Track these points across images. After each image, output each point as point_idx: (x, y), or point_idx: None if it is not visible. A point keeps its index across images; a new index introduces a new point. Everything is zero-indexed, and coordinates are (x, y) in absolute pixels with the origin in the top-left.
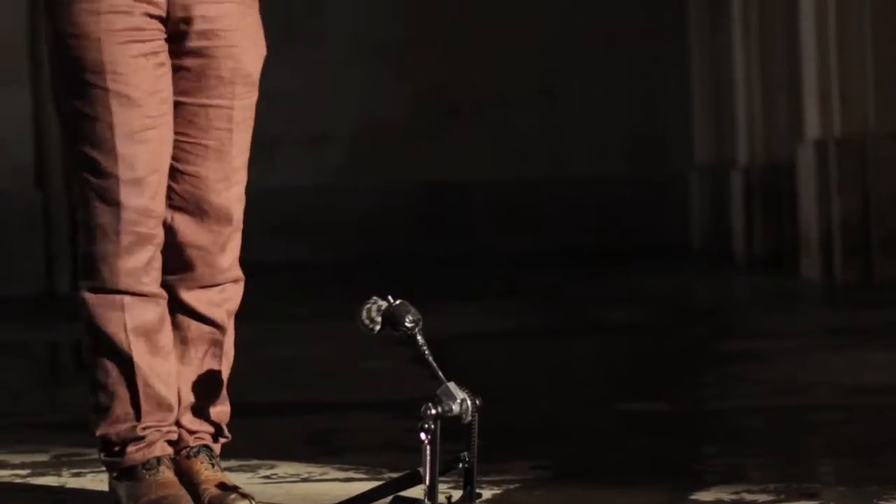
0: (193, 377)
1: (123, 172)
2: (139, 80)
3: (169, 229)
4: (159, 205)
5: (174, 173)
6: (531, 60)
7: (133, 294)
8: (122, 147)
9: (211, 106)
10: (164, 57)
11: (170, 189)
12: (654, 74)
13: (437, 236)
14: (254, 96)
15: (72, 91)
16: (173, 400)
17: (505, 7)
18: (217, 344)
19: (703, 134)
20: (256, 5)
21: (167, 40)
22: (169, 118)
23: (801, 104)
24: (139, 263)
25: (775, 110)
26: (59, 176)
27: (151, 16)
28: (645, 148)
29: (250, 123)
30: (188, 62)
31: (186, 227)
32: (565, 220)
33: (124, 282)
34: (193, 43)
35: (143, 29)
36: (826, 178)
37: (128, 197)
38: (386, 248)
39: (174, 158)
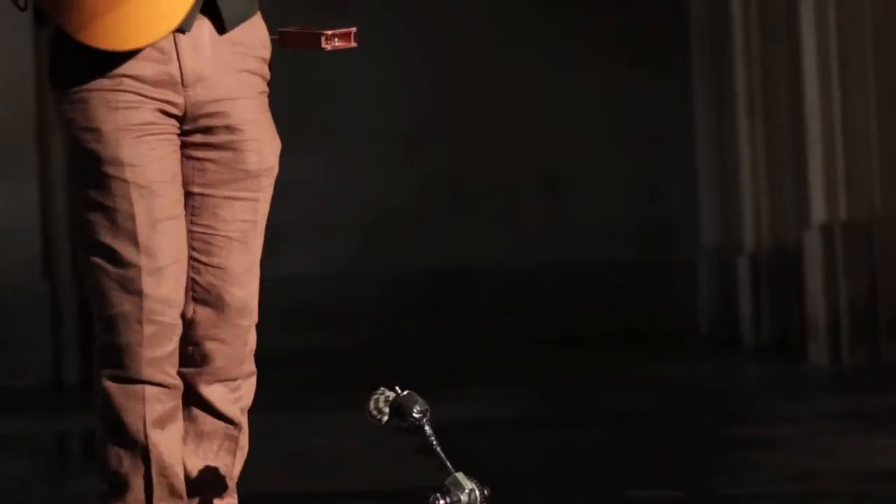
0: (206, 471)
1: (146, 262)
2: (157, 170)
3: (189, 322)
4: (180, 294)
5: (197, 265)
6: (535, 149)
7: (154, 384)
8: (144, 236)
9: (236, 199)
10: (178, 149)
11: (192, 281)
12: (658, 160)
13: (444, 322)
14: (272, 189)
15: (89, 183)
16: (184, 489)
17: (510, 98)
18: (232, 439)
19: (709, 218)
20: (267, 101)
21: (187, 134)
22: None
23: (807, 188)
24: (162, 353)
25: (781, 194)
26: (66, 266)
27: (167, 113)
28: (650, 233)
29: (267, 216)
30: (214, 155)
31: (207, 319)
32: (571, 306)
33: (147, 371)
34: (218, 137)
35: (158, 124)
36: (832, 263)
37: (150, 286)
38: (394, 334)
39: (197, 251)
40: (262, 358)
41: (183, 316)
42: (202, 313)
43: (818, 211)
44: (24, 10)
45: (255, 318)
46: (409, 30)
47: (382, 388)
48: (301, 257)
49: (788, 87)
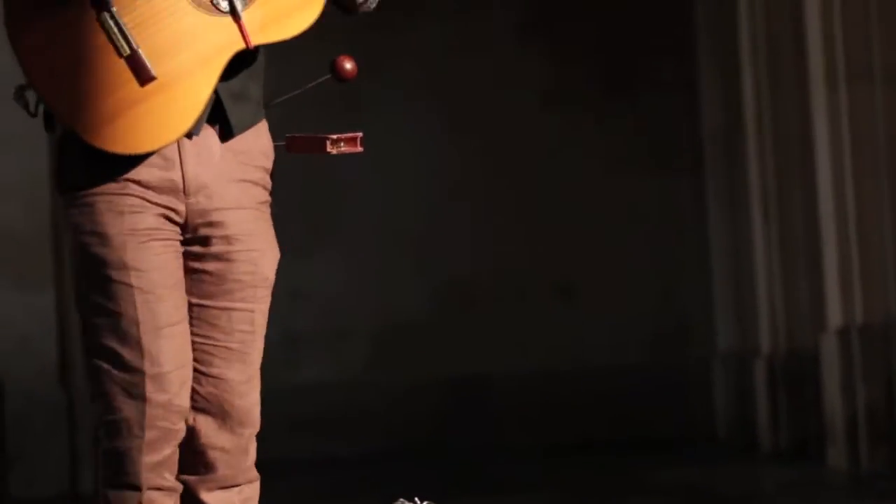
0: None
1: (149, 367)
2: (161, 275)
3: (191, 431)
4: (184, 399)
5: (197, 376)
6: (548, 254)
7: (154, 489)
8: (148, 342)
9: (234, 309)
10: (181, 256)
11: (193, 391)
12: (673, 262)
13: (458, 429)
14: (269, 299)
15: (94, 287)
16: None
17: (522, 201)
18: None
19: (724, 321)
20: (269, 210)
21: (187, 243)
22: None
23: (823, 290)
24: (161, 458)
25: (797, 296)
26: (82, 375)
27: (170, 220)
28: (665, 336)
29: (265, 326)
30: (210, 266)
31: (209, 429)
32: (587, 412)
33: (146, 477)
34: (215, 248)
35: (162, 229)
36: (849, 366)
37: (153, 392)
38: (410, 441)
39: (198, 361)
40: (273, 465)
41: (185, 423)
42: (203, 422)
43: (834, 314)
44: (34, 116)
45: (256, 427)
46: (421, 133)
47: (402, 500)
48: (314, 364)
49: (802, 190)
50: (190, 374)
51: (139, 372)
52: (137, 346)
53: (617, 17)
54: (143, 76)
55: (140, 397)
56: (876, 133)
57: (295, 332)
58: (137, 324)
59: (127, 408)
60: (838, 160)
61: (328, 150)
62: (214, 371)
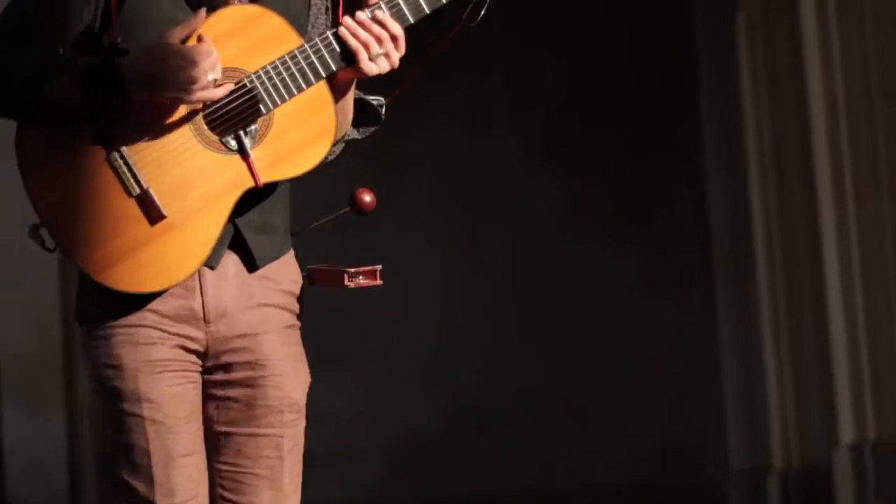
0: None
1: (161, 499)
2: (175, 406)
3: None
4: None
5: None
6: (559, 372)
7: None
8: (160, 474)
9: (260, 435)
10: (199, 385)
11: None
12: (683, 381)
13: None
14: (302, 423)
15: (108, 418)
16: None
17: (532, 322)
18: None
19: (736, 438)
20: (297, 334)
21: (208, 371)
22: (203, 445)
23: (835, 406)
24: None
25: (809, 411)
26: (93, 501)
27: (187, 349)
28: (677, 454)
29: (300, 450)
30: (235, 393)
31: None
32: None
33: None
34: (239, 374)
35: (178, 360)
36: (863, 482)
37: None
38: None
39: (226, 489)
40: None
41: None
42: None
43: (847, 430)
44: (52, 251)
45: None
46: (433, 253)
47: None
48: (326, 484)
49: (813, 304)
50: (205, 503)
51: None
52: (149, 477)
53: (627, 141)
54: (154, 215)
55: None
56: (885, 248)
57: (307, 451)
58: (149, 455)
59: None
60: (847, 275)
61: (346, 283)
62: (244, 499)
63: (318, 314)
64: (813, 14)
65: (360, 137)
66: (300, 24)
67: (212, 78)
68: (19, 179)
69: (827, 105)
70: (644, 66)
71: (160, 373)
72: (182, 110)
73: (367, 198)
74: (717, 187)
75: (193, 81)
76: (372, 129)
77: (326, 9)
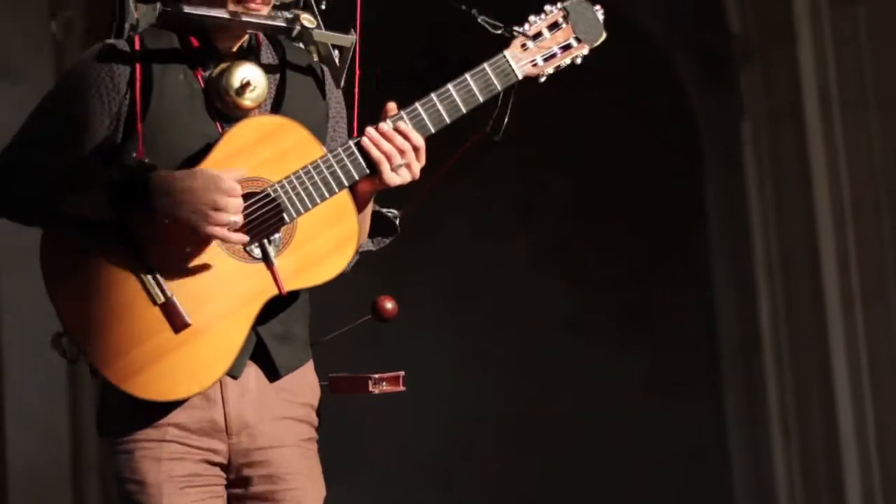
0: None
1: None
2: None
3: None
4: None
5: None
6: (567, 479)
7: None
8: None
9: None
10: (223, 498)
11: None
12: (693, 484)
13: None
14: None
15: None
16: None
17: (540, 432)
18: None
19: None
20: (315, 447)
21: (230, 485)
22: None
23: None
24: None
25: None
26: None
27: (212, 462)
28: None
29: None
30: None
31: None
32: None
33: None
34: (257, 488)
35: (202, 475)
36: None
37: None
38: None
39: None
40: None
41: None
42: None
43: None
44: (74, 362)
45: None
46: (442, 358)
47: None
48: None
49: (822, 408)
50: None
51: None
52: None
53: (633, 243)
54: (178, 323)
55: None
56: (893, 351)
57: None
58: None
59: None
60: (856, 379)
61: (371, 390)
62: None
63: (329, 420)
64: (818, 119)
65: (374, 249)
66: (319, 132)
67: (233, 220)
68: (33, 287)
69: (834, 209)
70: (649, 172)
71: (184, 488)
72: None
73: (389, 305)
74: (724, 291)
75: (215, 209)
76: (387, 240)
77: (344, 118)
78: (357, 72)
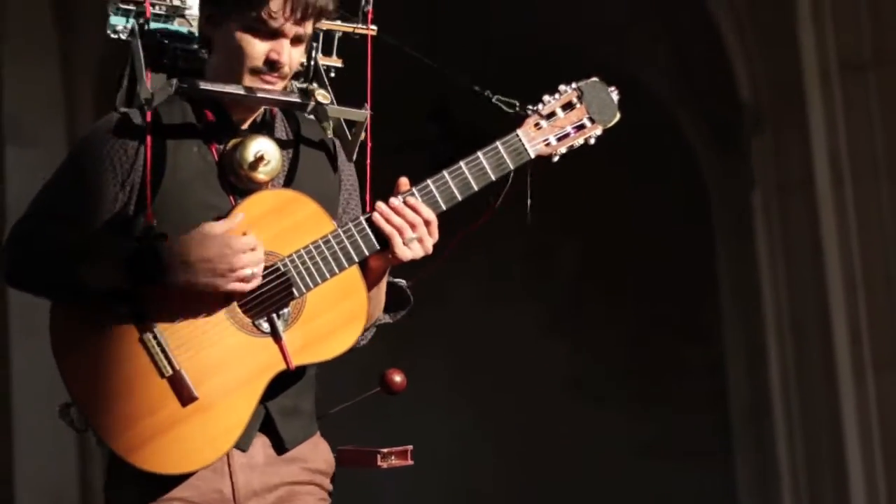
0: None
1: None
2: None
3: None
4: None
5: None
6: None
7: None
8: None
9: None
10: None
11: None
12: None
13: None
14: None
15: None
16: None
17: (549, 491)
18: None
19: None
20: None
21: None
22: None
23: None
24: None
25: None
26: None
27: None
28: None
29: None
30: None
31: None
32: None
33: None
34: None
35: None
36: None
37: None
38: None
39: None
40: None
41: None
42: None
43: None
44: (81, 432)
45: None
46: (448, 421)
47: None
48: None
49: (833, 475)
50: None
51: None
52: None
53: (643, 306)
54: (185, 396)
55: None
56: None
57: None
58: None
59: None
60: (868, 446)
61: (379, 464)
62: None
63: (335, 485)
64: (829, 189)
65: (391, 321)
66: (331, 206)
67: (249, 272)
68: (45, 354)
69: (845, 278)
70: (659, 237)
71: None
72: (217, 293)
73: (398, 378)
74: (734, 356)
75: (232, 270)
76: (402, 312)
77: (357, 191)
78: (369, 145)
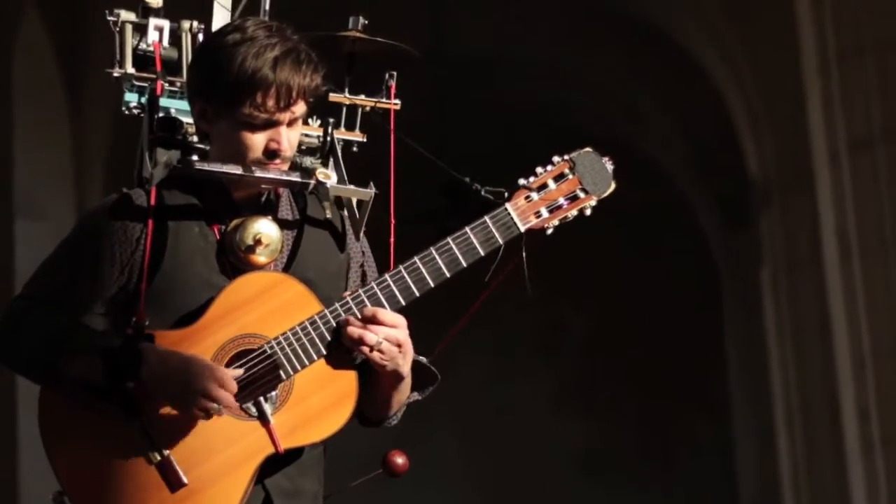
0: None
1: None
2: None
3: None
4: None
5: None
6: None
7: None
8: None
9: None
10: None
11: None
12: None
13: None
14: None
15: None
16: None
17: None
18: None
19: None
20: None
21: None
22: None
23: None
24: None
25: None
26: None
27: None
28: None
29: None
30: None
31: None
32: None
33: None
34: None
35: None
36: None
37: None
38: None
39: None
40: None
41: None
42: None
43: None
44: None
45: None
46: (458, 498)
47: None
48: None
49: None
50: None
51: None
52: None
53: (653, 383)
54: (174, 483)
55: None
56: None
57: None
58: None
59: None
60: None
61: None
62: None
63: None
64: (837, 267)
65: (420, 398)
66: (336, 286)
67: (217, 408)
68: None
69: (853, 356)
70: (667, 314)
71: None
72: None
73: (400, 460)
74: (743, 435)
75: (204, 395)
76: (431, 388)
77: (371, 266)
78: (392, 221)
